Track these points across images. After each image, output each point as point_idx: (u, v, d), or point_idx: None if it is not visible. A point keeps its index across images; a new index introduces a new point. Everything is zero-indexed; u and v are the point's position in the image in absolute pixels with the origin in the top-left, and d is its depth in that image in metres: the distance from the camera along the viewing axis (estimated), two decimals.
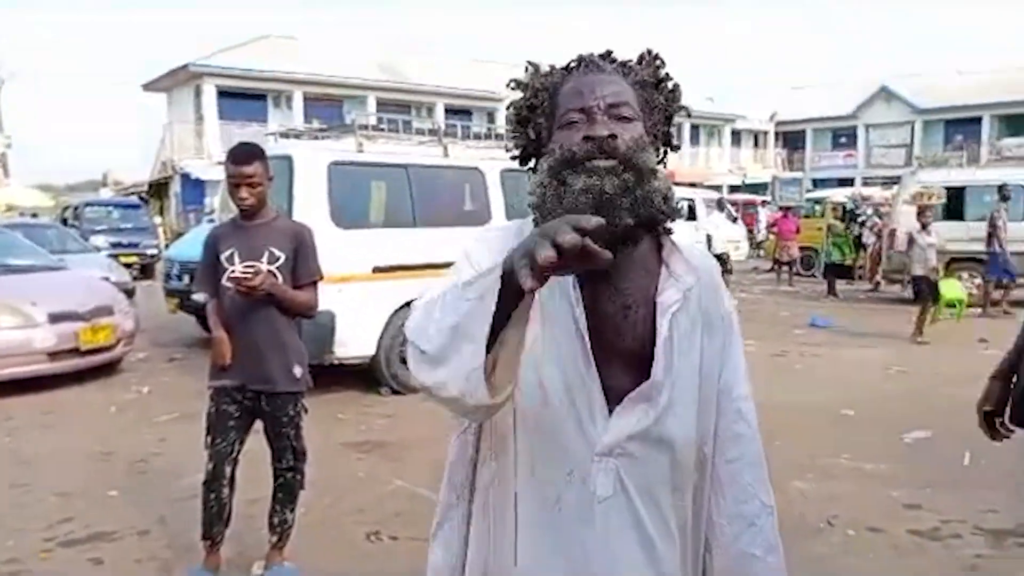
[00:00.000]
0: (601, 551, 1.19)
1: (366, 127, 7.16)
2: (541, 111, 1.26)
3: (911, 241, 9.63)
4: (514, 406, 1.19)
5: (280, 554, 3.33)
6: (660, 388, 1.19)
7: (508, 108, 1.31)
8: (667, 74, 1.28)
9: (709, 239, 13.07)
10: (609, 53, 1.28)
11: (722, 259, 13.45)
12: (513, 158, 1.34)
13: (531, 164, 1.31)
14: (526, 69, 1.29)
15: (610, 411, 1.19)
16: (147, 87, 28.56)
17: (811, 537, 3.75)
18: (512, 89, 1.30)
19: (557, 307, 1.19)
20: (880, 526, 3.88)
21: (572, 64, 1.27)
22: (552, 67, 1.28)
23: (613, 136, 1.16)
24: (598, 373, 1.18)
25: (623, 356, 1.20)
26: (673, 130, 1.31)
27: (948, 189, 12.67)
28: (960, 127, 35.37)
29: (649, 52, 1.29)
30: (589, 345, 1.18)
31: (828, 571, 3.43)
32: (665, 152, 1.30)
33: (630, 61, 1.27)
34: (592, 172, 1.15)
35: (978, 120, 34.70)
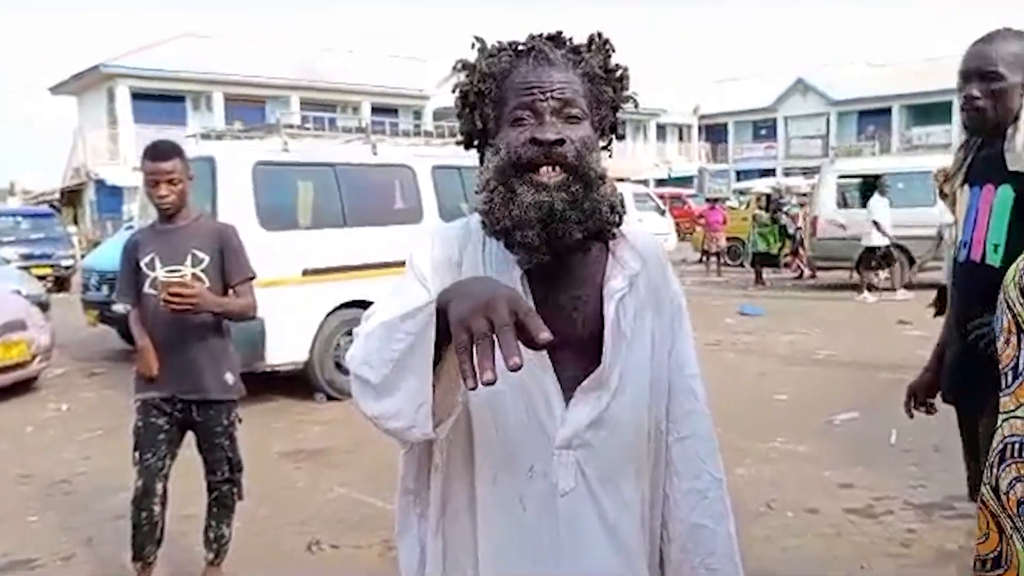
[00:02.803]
0: (567, 544, 1.19)
1: (291, 126, 6.99)
2: (488, 98, 1.22)
3: (942, 239, 7.64)
4: (469, 412, 1.18)
5: (218, 570, 3.20)
6: (610, 373, 1.20)
7: (454, 90, 1.26)
8: (616, 64, 1.26)
9: (877, 225, 11.48)
10: (559, 35, 1.25)
11: (885, 252, 11.63)
12: (458, 143, 1.32)
13: (475, 147, 1.29)
14: (473, 46, 1.25)
15: (566, 400, 1.19)
16: (55, 90, 27.30)
17: (752, 521, 3.81)
18: (458, 71, 1.25)
19: None
20: (817, 507, 3.98)
21: (521, 48, 1.22)
22: (501, 46, 1.23)
23: (561, 141, 1.15)
24: (552, 365, 1.19)
25: (575, 345, 1.20)
26: (620, 118, 1.30)
27: (864, 177, 13.19)
28: (872, 118, 36.91)
29: (599, 36, 1.26)
30: None
31: (770, 554, 3.50)
32: (610, 141, 1.30)
33: (580, 46, 1.24)
34: (540, 187, 1.15)
35: (888, 111, 36.27)
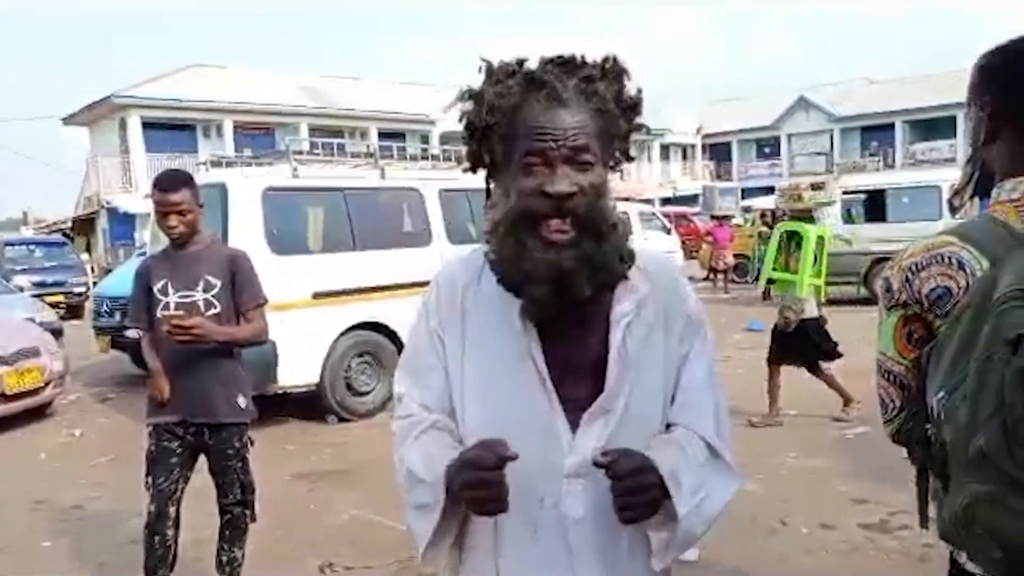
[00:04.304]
0: (580, 573, 1.20)
1: (300, 152, 7.06)
2: (497, 135, 1.19)
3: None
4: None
5: None
6: (615, 398, 1.19)
7: (461, 119, 1.23)
8: (629, 95, 1.22)
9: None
10: (571, 60, 1.20)
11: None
12: (465, 170, 1.30)
13: (483, 174, 1.27)
14: (480, 69, 1.21)
15: (573, 422, 1.19)
16: (67, 121, 27.60)
17: (767, 537, 3.80)
18: (465, 100, 1.21)
19: (511, 338, 1.20)
20: (832, 522, 3.95)
21: (531, 78, 1.17)
22: (508, 70, 1.19)
23: (572, 195, 1.13)
24: (558, 389, 1.19)
25: (581, 368, 1.21)
26: (631, 143, 1.26)
27: (869, 192, 13.21)
28: (875, 133, 36.94)
29: (614, 62, 1.21)
30: (546, 370, 1.19)
31: (785, 571, 3.47)
32: (619, 162, 1.27)
33: (593, 75, 1.18)
34: (550, 245, 1.13)
35: (891, 126, 36.29)
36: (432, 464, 1.18)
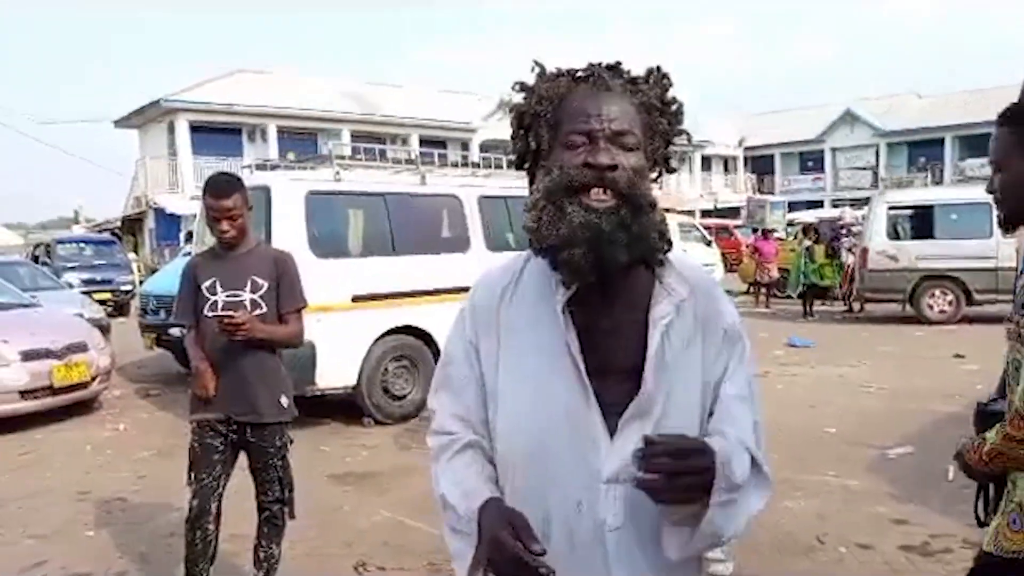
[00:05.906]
0: None
1: (342, 157, 7.16)
2: (544, 121, 1.22)
3: None
4: (519, 451, 1.21)
5: None
6: (652, 401, 1.18)
7: (510, 111, 1.27)
8: (673, 97, 1.26)
9: None
10: (618, 65, 1.25)
11: None
12: (510, 164, 1.32)
13: (527, 169, 1.30)
14: (532, 70, 1.26)
15: (610, 427, 1.18)
16: (118, 124, 28.34)
17: (803, 555, 3.74)
18: (516, 92, 1.26)
19: (548, 336, 1.21)
20: (870, 543, 3.88)
21: (580, 74, 1.23)
22: (559, 71, 1.25)
23: (614, 167, 1.15)
24: (595, 391, 1.19)
25: (618, 370, 1.20)
26: (672, 151, 1.29)
27: (916, 208, 12.94)
28: (923, 149, 36.17)
29: (658, 70, 1.26)
30: (585, 372, 1.18)
31: None
32: (661, 173, 1.29)
33: (638, 78, 1.24)
34: (590, 209, 1.15)
35: (940, 141, 35.49)
36: (465, 493, 1.19)
